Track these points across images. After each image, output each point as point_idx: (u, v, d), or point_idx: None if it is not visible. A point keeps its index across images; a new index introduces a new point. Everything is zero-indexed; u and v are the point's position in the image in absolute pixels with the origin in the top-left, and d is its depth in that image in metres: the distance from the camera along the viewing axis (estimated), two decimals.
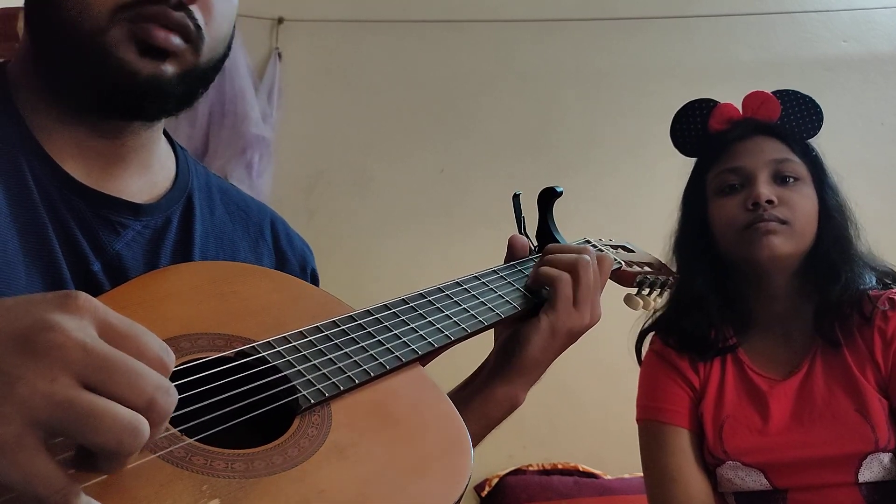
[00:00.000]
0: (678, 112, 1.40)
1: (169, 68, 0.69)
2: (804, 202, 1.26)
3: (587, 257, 0.86)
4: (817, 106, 1.34)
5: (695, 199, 1.35)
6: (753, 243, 1.24)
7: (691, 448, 1.26)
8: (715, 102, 1.37)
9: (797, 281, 1.28)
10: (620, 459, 2.52)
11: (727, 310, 1.31)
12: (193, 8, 0.70)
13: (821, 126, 1.34)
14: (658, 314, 1.36)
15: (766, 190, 1.24)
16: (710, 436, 1.25)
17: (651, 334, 1.38)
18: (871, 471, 1.16)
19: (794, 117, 1.34)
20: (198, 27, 0.70)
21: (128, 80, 0.68)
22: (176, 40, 0.69)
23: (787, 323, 1.30)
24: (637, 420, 1.33)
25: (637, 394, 1.35)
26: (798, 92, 1.36)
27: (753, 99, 1.35)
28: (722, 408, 1.26)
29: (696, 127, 1.38)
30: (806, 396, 1.23)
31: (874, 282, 1.28)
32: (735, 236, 1.27)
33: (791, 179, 1.27)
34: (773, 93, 1.35)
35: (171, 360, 0.47)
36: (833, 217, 1.28)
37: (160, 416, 0.44)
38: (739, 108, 1.37)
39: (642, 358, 1.38)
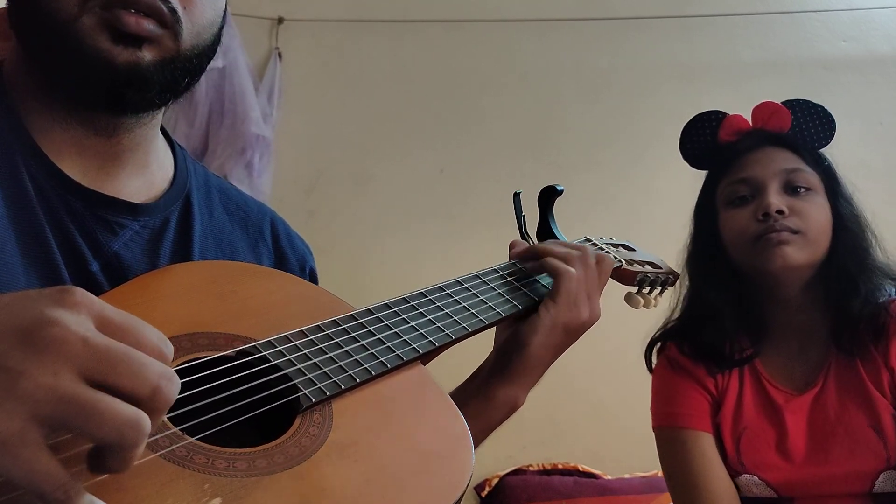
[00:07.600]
0: (686, 125, 1.36)
1: (146, 55, 0.68)
2: (817, 211, 1.23)
3: (583, 254, 0.88)
4: (829, 114, 1.31)
5: (706, 213, 1.33)
6: (765, 254, 1.21)
7: (713, 451, 1.23)
8: (724, 114, 1.34)
9: (812, 292, 1.26)
10: (620, 459, 2.53)
11: (742, 321, 1.28)
12: None
13: (833, 134, 1.31)
14: (670, 324, 1.35)
15: (776, 200, 1.21)
16: (728, 447, 1.23)
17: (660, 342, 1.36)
18: (883, 485, 1.16)
19: (805, 126, 1.31)
20: (173, 10, 0.68)
21: (104, 69, 0.66)
22: (149, 25, 0.67)
23: (802, 335, 1.27)
24: (654, 427, 1.30)
25: (651, 402, 1.32)
26: (809, 101, 1.32)
27: (763, 110, 1.32)
28: (740, 419, 1.24)
29: (705, 139, 1.35)
30: (819, 411, 1.21)
31: (893, 293, 1.25)
32: (746, 247, 1.24)
33: (802, 190, 1.24)
34: (783, 103, 1.32)
35: (170, 351, 0.47)
36: (848, 227, 1.25)
37: (164, 403, 0.44)
38: (748, 118, 1.34)
39: (653, 366, 1.35)
